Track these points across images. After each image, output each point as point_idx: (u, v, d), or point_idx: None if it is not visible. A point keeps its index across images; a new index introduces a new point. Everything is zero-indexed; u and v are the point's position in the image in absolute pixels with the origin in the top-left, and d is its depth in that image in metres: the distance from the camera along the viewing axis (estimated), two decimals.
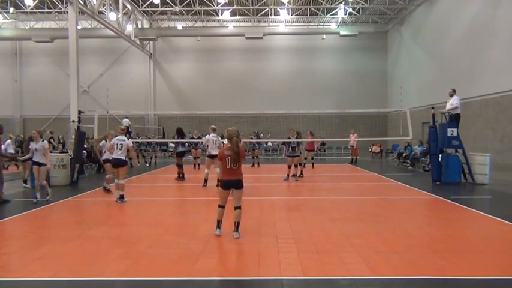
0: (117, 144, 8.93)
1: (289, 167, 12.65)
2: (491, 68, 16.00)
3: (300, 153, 13.11)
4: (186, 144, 14.05)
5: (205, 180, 11.35)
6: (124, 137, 9.10)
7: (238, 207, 5.94)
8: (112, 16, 22.78)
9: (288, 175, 12.61)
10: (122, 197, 8.97)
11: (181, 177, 12.89)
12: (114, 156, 8.95)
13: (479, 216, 7.42)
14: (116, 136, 9.12)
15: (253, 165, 17.37)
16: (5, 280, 4.30)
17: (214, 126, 11.43)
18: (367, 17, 27.60)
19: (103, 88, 25.62)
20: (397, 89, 24.84)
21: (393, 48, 28.03)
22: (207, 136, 11.49)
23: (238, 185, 5.94)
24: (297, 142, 12.61)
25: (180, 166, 12.95)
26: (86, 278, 4.36)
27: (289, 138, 12.80)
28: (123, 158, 8.99)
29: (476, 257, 4.96)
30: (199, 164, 16.91)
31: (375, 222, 6.91)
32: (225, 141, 10.26)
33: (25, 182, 11.65)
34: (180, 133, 13.35)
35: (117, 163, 8.96)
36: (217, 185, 10.71)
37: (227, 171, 5.87)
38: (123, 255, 5.13)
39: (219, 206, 5.99)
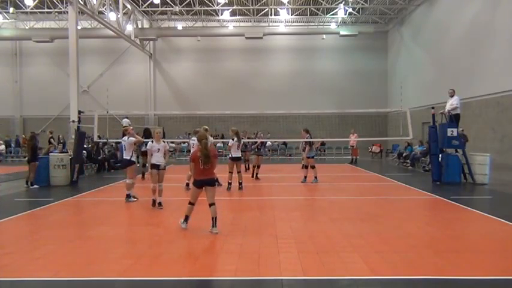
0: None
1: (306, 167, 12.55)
2: (491, 68, 16.00)
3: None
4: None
5: None
6: (125, 137, 9.19)
7: (212, 204, 6.22)
8: (112, 16, 22.77)
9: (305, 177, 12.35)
10: (128, 196, 9.05)
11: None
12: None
13: (479, 216, 7.42)
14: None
15: (247, 169, 15.37)
16: (5, 280, 4.31)
17: (196, 130, 11.13)
18: (367, 17, 27.59)
19: (103, 88, 25.60)
20: (397, 89, 24.82)
21: (393, 48, 28.03)
22: (190, 141, 11.34)
23: (211, 183, 6.27)
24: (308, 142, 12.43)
25: (144, 165, 13.27)
26: (86, 278, 4.37)
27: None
28: (128, 158, 9.06)
29: (476, 257, 4.96)
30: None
31: (375, 222, 6.91)
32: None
33: (27, 182, 11.64)
34: (148, 134, 13.63)
35: (122, 164, 9.54)
36: (187, 186, 10.69)
37: (201, 171, 6.15)
38: (123, 255, 5.14)
39: (190, 203, 6.29)
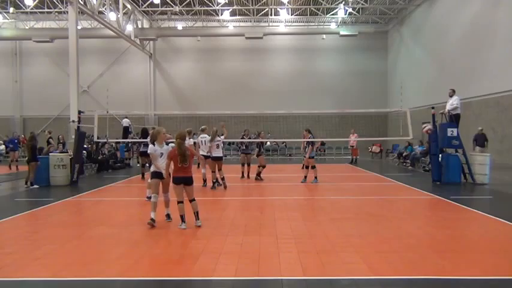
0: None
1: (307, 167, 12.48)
2: (491, 68, 16.00)
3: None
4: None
5: (204, 181, 11.38)
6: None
7: (193, 200, 6.48)
8: (112, 16, 22.79)
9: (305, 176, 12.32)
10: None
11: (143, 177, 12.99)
12: None
13: (479, 216, 7.42)
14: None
15: (242, 176, 13.29)
16: (5, 280, 4.31)
17: (203, 127, 11.52)
18: (367, 17, 27.61)
19: (103, 88, 25.63)
20: (397, 89, 24.84)
21: (393, 48, 28.03)
22: (198, 138, 11.50)
23: (188, 181, 6.43)
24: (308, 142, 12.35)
25: (143, 166, 13.09)
26: (86, 278, 4.36)
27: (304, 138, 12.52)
28: None
29: (477, 257, 4.96)
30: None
31: (375, 222, 6.91)
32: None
33: (26, 182, 11.62)
34: (145, 134, 13.64)
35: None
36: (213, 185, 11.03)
37: (178, 169, 6.35)
38: (123, 255, 5.13)
39: (178, 202, 6.43)
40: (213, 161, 11.01)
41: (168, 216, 6.98)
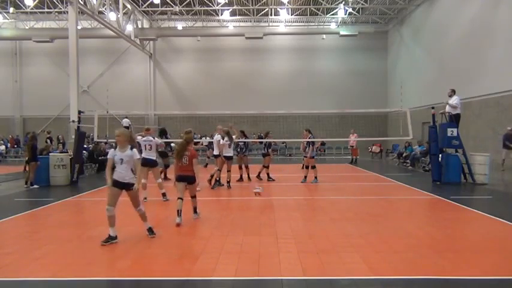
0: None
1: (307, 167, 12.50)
2: (491, 68, 16.00)
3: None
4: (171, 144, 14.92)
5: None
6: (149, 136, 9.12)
7: (193, 197, 7.04)
8: (112, 16, 22.80)
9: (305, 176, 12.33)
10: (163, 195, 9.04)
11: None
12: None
13: (479, 216, 7.42)
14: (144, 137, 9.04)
15: (240, 178, 12.51)
16: (5, 280, 4.31)
17: (219, 127, 11.58)
18: (367, 17, 27.61)
19: (103, 88, 25.62)
20: (397, 89, 24.83)
21: (393, 48, 28.03)
22: (214, 137, 11.72)
23: (189, 179, 6.84)
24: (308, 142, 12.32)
25: (167, 166, 12.88)
26: (86, 278, 4.36)
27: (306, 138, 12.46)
28: (154, 158, 9.13)
29: (476, 257, 4.96)
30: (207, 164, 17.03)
31: (375, 222, 6.91)
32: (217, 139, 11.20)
33: (26, 182, 11.62)
34: (164, 133, 13.82)
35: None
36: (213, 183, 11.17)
37: (180, 168, 6.83)
38: (123, 255, 5.14)
39: (178, 198, 6.75)
40: (225, 160, 11.10)
41: (149, 230, 5.97)
